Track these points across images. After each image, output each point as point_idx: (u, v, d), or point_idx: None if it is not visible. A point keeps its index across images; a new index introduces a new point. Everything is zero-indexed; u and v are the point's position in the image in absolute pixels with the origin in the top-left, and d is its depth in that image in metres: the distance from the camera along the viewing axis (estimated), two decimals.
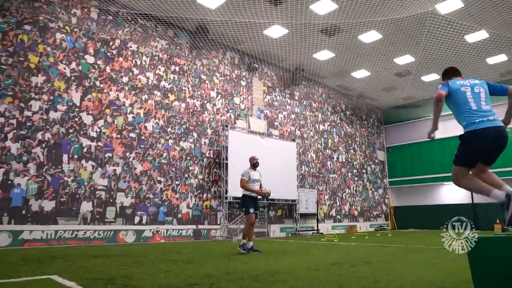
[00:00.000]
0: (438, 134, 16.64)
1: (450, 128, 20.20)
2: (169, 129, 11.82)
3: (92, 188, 9.82)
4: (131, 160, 10.72)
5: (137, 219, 10.54)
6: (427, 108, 20.65)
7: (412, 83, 17.93)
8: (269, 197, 8.01)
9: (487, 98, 3.69)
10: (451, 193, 19.71)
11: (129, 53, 11.33)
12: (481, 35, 13.39)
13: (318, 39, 13.38)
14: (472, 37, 13.56)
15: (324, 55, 14.73)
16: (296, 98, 16.82)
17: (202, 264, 5.37)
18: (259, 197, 7.55)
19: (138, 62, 11.49)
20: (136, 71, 11.37)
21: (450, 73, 4.26)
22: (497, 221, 16.16)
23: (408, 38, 13.52)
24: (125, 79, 11.04)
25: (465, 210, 18.19)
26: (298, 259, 6.03)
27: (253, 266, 5.11)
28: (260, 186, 7.55)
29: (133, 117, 11.01)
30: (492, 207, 17.09)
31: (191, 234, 11.67)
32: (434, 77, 17.44)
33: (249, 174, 7.38)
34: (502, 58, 15.55)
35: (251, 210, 7.20)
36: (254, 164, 7.60)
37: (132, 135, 10.90)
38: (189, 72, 12.79)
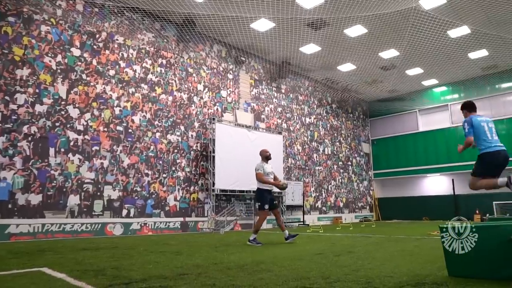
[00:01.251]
0: (422, 127, 17.08)
1: (433, 121, 20.69)
2: (156, 122, 11.85)
3: (79, 182, 9.84)
4: (118, 153, 10.75)
5: (124, 212, 10.60)
6: (411, 101, 21.02)
7: (397, 76, 18.23)
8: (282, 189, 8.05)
9: (495, 131, 5.34)
10: (434, 185, 20.20)
11: (116, 46, 11.29)
12: (463, 30, 13.68)
13: (304, 33, 13.50)
14: (455, 33, 13.85)
15: (310, 48, 14.87)
16: (283, 91, 16.95)
17: (190, 255, 5.51)
18: (274, 189, 7.62)
19: (125, 55, 11.46)
20: (123, 64, 11.34)
21: (470, 107, 5.77)
22: (476, 211, 16.66)
23: (393, 33, 13.73)
24: (111, 72, 11.02)
25: (447, 201, 18.71)
26: (284, 249, 6.21)
27: (239, 256, 5.26)
28: (275, 178, 7.65)
29: (120, 110, 11.02)
30: (472, 198, 17.62)
31: (179, 227, 11.79)
32: (418, 70, 17.76)
33: (264, 167, 7.43)
34: (483, 53, 15.91)
35: (266, 207, 7.26)
36: (266, 157, 7.65)
37: (119, 128, 10.91)
38: (176, 65, 12.81)
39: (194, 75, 13.31)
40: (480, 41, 14.66)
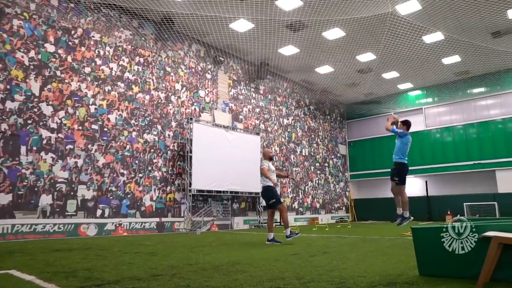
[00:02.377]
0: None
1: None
2: (132, 121, 11.69)
3: (52, 181, 9.60)
4: (93, 152, 10.54)
5: (99, 212, 10.41)
6: (387, 104, 21.43)
7: (373, 79, 18.56)
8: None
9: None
10: (408, 186, 20.52)
11: (92, 43, 11.08)
12: (437, 36, 14.06)
13: (283, 34, 13.58)
14: (429, 38, 14.22)
15: (289, 50, 14.97)
16: (261, 92, 17.00)
17: (165, 256, 5.45)
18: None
19: (101, 53, 11.26)
20: (99, 62, 11.14)
21: (409, 126, 6.93)
22: (448, 212, 17.11)
23: (370, 37, 13.97)
24: (87, 70, 10.80)
25: (421, 202, 19.14)
26: (260, 250, 6.23)
27: (215, 257, 5.25)
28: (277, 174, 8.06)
29: (95, 108, 10.81)
30: (444, 199, 18.10)
31: (155, 227, 11.66)
32: (394, 74, 18.13)
33: (269, 165, 7.59)
34: (456, 59, 16.39)
35: (282, 200, 7.45)
36: (270, 157, 7.82)
37: (95, 126, 10.70)
38: (153, 63, 12.66)
39: (172, 74, 13.19)
40: (453, 47, 15.08)
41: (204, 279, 3.52)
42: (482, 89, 18.75)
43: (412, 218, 6.81)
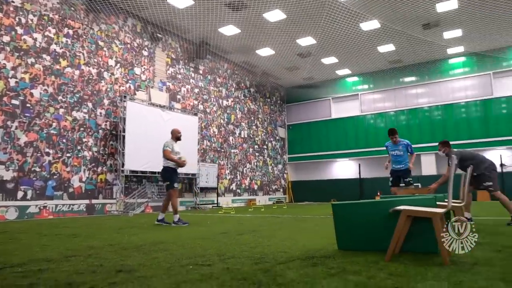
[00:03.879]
0: (334, 115, 17.78)
1: (344, 109, 21.85)
2: (60, 97, 10.92)
3: None
4: (13, 129, 9.72)
5: (20, 194, 9.68)
6: (325, 89, 21.99)
7: (312, 64, 18.89)
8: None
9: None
10: (343, 169, 21.51)
11: (11, 9, 10.10)
12: (374, 24, 14.54)
13: (223, 13, 13.30)
14: (366, 26, 14.66)
15: (229, 30, 14.73)
16: (201, 72, 16.65)
17: (88, 237, 5.18)
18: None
19: (23, 21, 10.31)
20: (20, 31, 10.20)
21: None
22: (378, 193, 18.06)
23: (310, 20, 14.09)
24: (6, 38, 9.85)
25: (354, 184, 20.07)
26: (189, 230, 6.13)
27: (141, 237, 5.07)
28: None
29: (16, 82, 9.94)
30: (375, 181, 19.07)
31: (84, 209, 11.11)
32: (332, 60, 18.56)
33: (173, 145, 7.31)
34: (390, 47, 17.10)
35: (176, 185, 7.26)
36: (177, 137, 7.54)
37: (15, 102, 9.85)
38: (84, 36, 11.86)
39: (105, 49, 12.46)
40: (388, 35, 15.70)
41: (121, 258, 3.37)
42: (412, 78, 19.80)
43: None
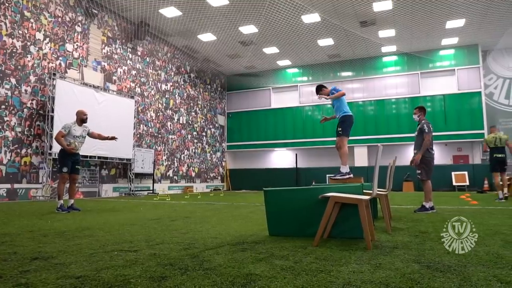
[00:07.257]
0: (274, 105, 18.03)
1: (284, 100, 22.19)
2: None
3: None
4: None
5: None
6: (266, 78, 22.17)
7: (254, 52, 18.93)
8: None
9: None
10: (280, 159, 21.95)
11: None
12: (315, 17, 14.83)
13: None
14: (307, 18, 14.93)
15: (170, 12, 14.27)
16: (139, 53, 16.01)
17: (4, 224, 4.79)
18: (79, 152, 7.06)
19: None
20: None
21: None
22: (313, 182, 18.69)
23: (252, 8, 14.05)
24: None
25: (290, 173, 20.54)
26: (120, 216, 5.90)
27: (65, 223, 4.79)
28: (99, 136, 7.28)
29: None
30: (310, 171, 19.67)
31: (5, 194, 10.29)
32: (274, 50, 18.72)
33: (70, 129, 6.85)
34: (330, 41, 17.60)
35: (65, 170, 6.75)
36: (82, 120, 7.05)
37: None
38: (7, 4, 10.85)
39: (32, 20, 11.51)
40: (328, 30, 16.12)
41: (39, 245, 3.14)
42: (349, 73, 20.57)
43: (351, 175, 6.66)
